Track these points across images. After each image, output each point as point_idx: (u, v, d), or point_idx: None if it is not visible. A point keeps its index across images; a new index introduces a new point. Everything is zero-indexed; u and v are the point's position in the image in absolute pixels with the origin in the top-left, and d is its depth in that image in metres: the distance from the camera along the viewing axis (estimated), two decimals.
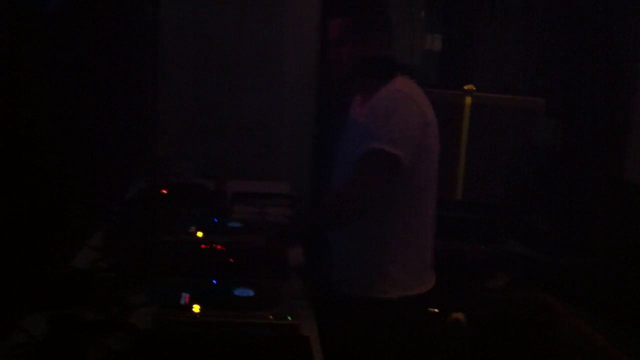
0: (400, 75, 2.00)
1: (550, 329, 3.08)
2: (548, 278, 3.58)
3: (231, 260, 1.95)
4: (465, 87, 3.28)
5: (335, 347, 1.68)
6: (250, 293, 1.71)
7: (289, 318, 1.60)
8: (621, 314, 3.01)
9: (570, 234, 4.15)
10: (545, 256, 3.90)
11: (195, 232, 2.21)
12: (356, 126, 2.06)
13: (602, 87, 3.98)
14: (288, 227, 2.24)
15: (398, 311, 1.98)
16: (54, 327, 1.46)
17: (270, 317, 1.60)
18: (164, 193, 2.67)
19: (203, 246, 2.08)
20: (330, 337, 1.65)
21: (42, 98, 1.84)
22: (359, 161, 1.89)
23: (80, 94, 2.24)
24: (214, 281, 1.78)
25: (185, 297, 1.65)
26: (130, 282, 1.84)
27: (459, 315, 3.01)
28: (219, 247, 2.07)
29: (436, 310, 2.18)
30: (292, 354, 1.46)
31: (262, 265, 1.94)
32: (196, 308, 1.59)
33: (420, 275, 2.05)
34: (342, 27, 2.01)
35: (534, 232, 4.03)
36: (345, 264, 2.09)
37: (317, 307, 1.81)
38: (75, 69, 2.21)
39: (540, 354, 3.02)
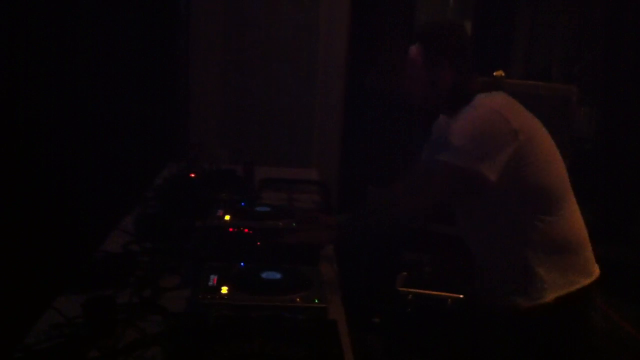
0: (481, 94, 1.96)
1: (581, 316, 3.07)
2: None
3: (258, 244, 1.98)
4: (495, 74, 3.24)
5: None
6: (278, 276, 1.73)
7: (316, 301, 1.62)
8: None
9: (607, 223, 4.10)
10: None
11: (223, 216, 2.24)
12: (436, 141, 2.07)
13: (637, 76, 3.92)
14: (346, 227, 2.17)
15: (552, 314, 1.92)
16: (88, 309, 1.49)
17: (298, 300, 1.61)
18: (192, 177, 2.71)
19: (231, 230, 2.11)
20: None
21: (73, 86, 1.88)
22: (426, 171, 1.92)
23: (112, 81, 2.27)
24: (242, 264, 1.81)
25: (213, 279, 1.68)
26: (162, 265, 1.88)
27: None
28: (246, 230, 2.10)
29: (460, 295, 2.17)
30: (320, 337, 1.47)
31: (293, 251, 1.97)
32: (224, 290, 1.62)
33: (579, 268, 1.97)
34: (413, 62, 1.97)
35: None
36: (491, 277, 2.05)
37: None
38: (114, 59, 2.25)
39: (570, 340, 3.01)
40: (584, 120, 4.03)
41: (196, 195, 2.47)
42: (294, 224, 2.18)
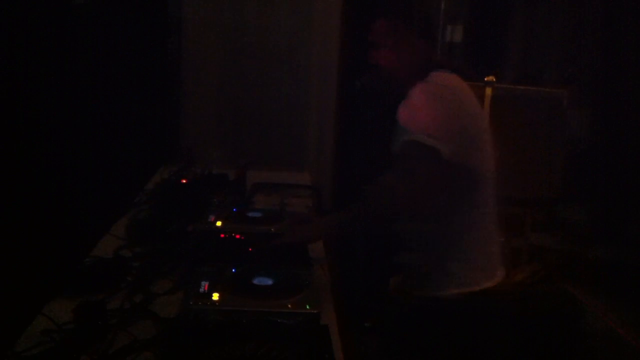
0: (436, 71, 1.96)
1: (573, 321, 3.08)
2: (577, 270, 3.56)
3: (250, 249, 1.98)
4: (485, 79, 3.26)
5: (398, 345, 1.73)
6: (270, 281, 1.73)
7: (308, 307, 1.61)
8: None
9: (606, 223, 4.12)
10: (574, 248, 3.87)
11: (215, 222, 2.23)
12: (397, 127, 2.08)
13: (632, 76, 3.93)
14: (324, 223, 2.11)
15: (458, 307, 1.95)
16: (79, 315, 1.49)
17: (289, 305, 1.61)
18: (184, 183, 2.71)
19: (222, 235, 2.11)
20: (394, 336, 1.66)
21: (62, 89, 1.87)
22: (397, 156, 1.88)
23: (102, 84, 2.27)
24: (234, 269, 1.80)
25: (204, 285, 1.67)
26: (154, 270, 1.88)
27: None
28: (237, 236, 2.10)
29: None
30: (311, 342, 1.47)
31: (283, 255, 1.96)
32: (215, 296, 1.61)
33: (485, 270, 2.01)
34: (379, 31, 2.01)
35: (563, 224, 4.00)
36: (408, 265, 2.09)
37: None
38: (103, 60, 2.25)
39: (563, 346, 3.02)
40: (579, 122, 4.05)
41: (188, 199, 2.47)
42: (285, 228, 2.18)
